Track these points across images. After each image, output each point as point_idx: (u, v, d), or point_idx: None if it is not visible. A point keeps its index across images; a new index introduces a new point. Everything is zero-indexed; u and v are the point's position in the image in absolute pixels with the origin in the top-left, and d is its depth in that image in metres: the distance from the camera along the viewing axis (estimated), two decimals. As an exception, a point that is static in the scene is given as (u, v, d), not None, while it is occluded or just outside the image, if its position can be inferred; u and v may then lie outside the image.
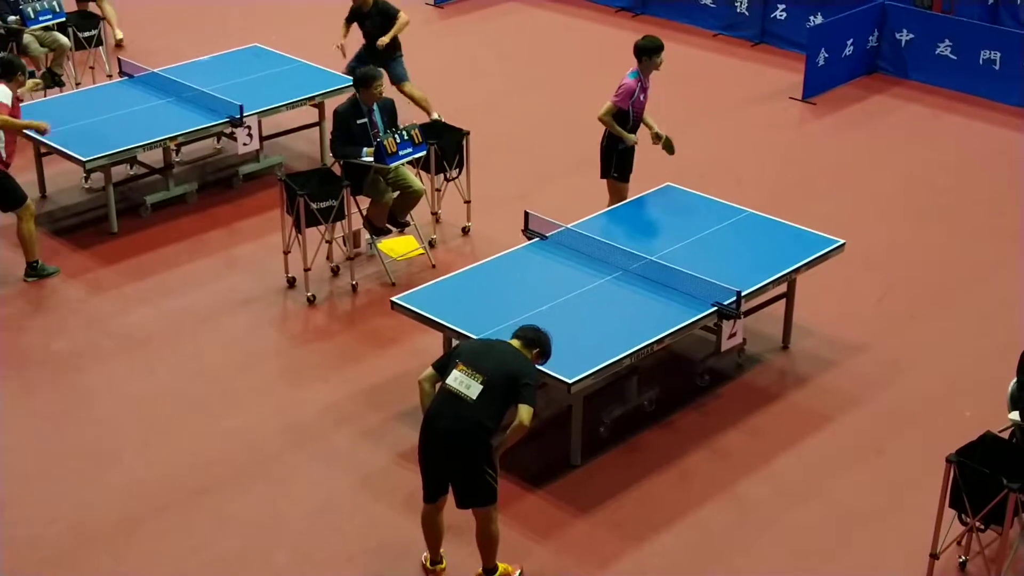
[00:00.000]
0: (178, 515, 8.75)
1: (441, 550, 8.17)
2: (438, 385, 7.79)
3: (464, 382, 7.53)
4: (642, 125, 11.21)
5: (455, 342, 8.85)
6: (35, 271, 11.33)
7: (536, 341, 7.85)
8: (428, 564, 8.22)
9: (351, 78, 12.12)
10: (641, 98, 11.06)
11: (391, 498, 8.85)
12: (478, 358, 7.63)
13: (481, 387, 7.49)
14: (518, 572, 8.14)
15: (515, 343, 7.84)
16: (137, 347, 10.58)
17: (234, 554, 8.43)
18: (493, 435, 7.59)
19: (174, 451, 9.37)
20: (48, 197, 12.88)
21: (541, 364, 7.95)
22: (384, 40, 13.71)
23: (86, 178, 12.96)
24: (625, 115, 11.03)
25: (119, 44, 16.12)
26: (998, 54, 15.24)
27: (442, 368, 7.77)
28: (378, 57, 13.64)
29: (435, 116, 14.09)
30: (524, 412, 7.52)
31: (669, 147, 11.32)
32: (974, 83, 15.41)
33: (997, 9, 17.01)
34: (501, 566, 8.05)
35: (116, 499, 8.89)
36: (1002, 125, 14.79)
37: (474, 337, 8.57)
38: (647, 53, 11.02)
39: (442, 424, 7.57)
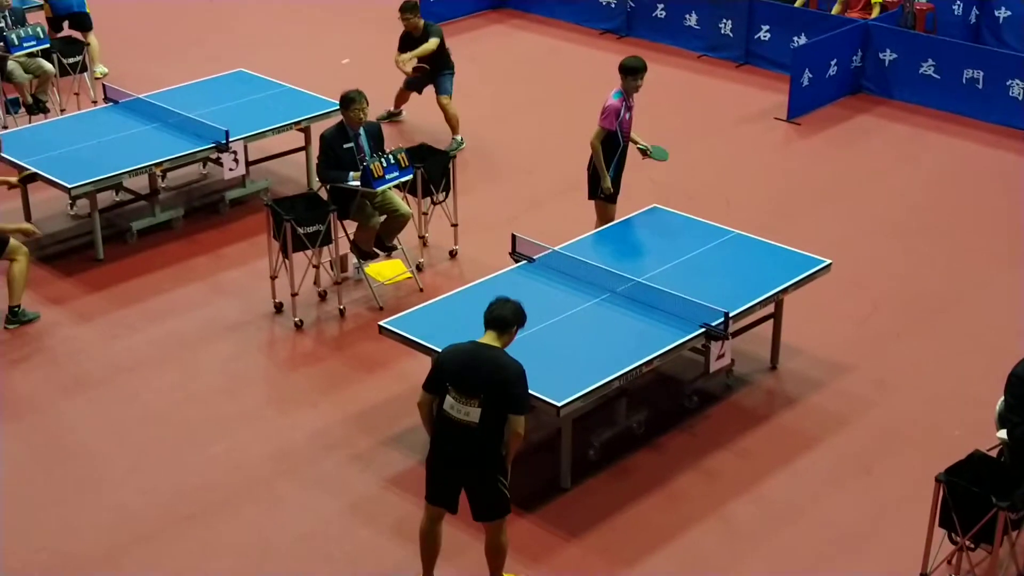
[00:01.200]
0: (166, 542, 8.71)
1: (434, 571, 8.14)
2: (435, 403, 7.77)
3: (462, 410, 7.53)
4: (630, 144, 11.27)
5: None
6: (15, 316, 11.15)
7: (510, 321, 7.71)
8: None
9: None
10: (627, 117, 11.10)
11: (380, 523, 8.82)
12: (467, 379, 7.56)
13: (480, 410, 7.51)
14: None
15: (492, 337, 7.68)
16: (123, 373, 10.54)
17: (223, 581, 8.41)
18: (501, 442, 7.64)
19: (162, 477, 9.33)
20: (33, 224, 12.83)
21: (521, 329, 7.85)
22: (405, 58, 14.16)
23: (72, 205, 12.93)
24: (614, 136, 11.05)
25: (99, 79, 15.93)
26: (981, 73, 15.31)
27: (434, 387, 7.73)
28: (433, 74, 14.28)
29: (457, 138, 14.21)
30: (517, 424, 7.59)
31: (660, 153, 11.31)
32: (958, 102, 15.48)
33: (980, 29, 17.13)
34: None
35: (104, 526, 8.85)
36: (986, 144, 14.85)
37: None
38: (629, 73, 11.10)
39: (450, 449, 7.66)
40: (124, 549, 8.64)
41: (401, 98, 14.89)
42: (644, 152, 11.33)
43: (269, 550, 8.65)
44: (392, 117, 14.92)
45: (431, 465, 7.84)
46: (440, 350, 8.91)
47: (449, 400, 7.59)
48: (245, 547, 8.68)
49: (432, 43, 14.07)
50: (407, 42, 14.26)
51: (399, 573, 8.34)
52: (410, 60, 14.10)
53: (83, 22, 16.06)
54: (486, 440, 7.57)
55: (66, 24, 16.05)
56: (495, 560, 8.00)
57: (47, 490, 9.21)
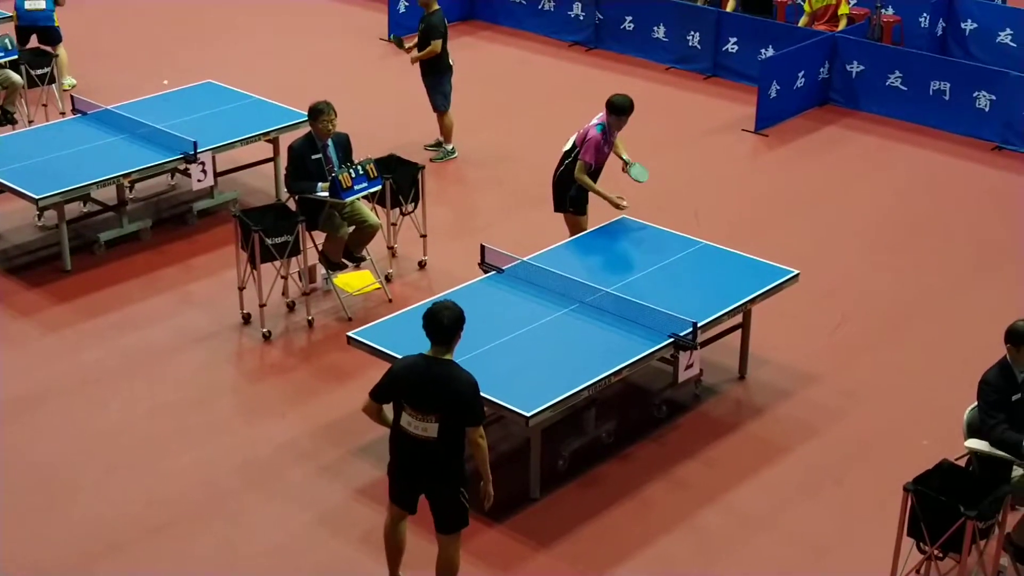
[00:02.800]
0: (135, 553, 8.66)
1: (400, 570, 8.16)
2: (387, 409, 7.74)
3: (420, 426, 7.51)
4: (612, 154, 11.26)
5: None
6: None
7: (452, 330, 7.52)
8: None
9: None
10: (605, 150, 11.07)
11: (348, 535, 8.79)
12: (422, 396, 7.49)
13: (438, 424, 7.48)
14: None
15: (440, 351, 7.55)
16: (91, 384, 10.49)
17: (191, 593, 8.36)
18: (462, 454, 7.62)
19: (130, 489, 9.28)
20: (0, 235, 12.77)
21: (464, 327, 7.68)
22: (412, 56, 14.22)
23: (39, 216, 12.86)
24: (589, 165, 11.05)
25: (67, 91, 15.82)
26: (948, 85, 15.41)
27: (383, 397, 7.69)
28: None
29: (448, 147, 14.24)
30: (476, 435, 7.58)
31: (640, 173, 11.24)
32: (925, 114, 15.57)
33: (946, 41, 17.26)
34: None
35: (72, 537, 8.79)
36: (952, 155, 14.94)
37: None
38: (618, 112, 10.95)
39: (410, 464, 7.68)
40: (93, 560, 8.59)
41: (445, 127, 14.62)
42: (626, 165, 11.30)
43: (238, 562, 8.61)
44: (441, 150, 14.66)
45: (392, 472, 7.88)
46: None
47: (406, 417, 7.57)
48: (214, 559, 8.63)
49: (435, 45, 14.03)
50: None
51: (368, 584, 8.33)
52: (415, 60, 14.14)
53: (51, 36, 15.97)
54: (446, 453, 7.57)
55: (34, 37, 15.96)
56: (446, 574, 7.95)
57: (16, 501, 9.14)
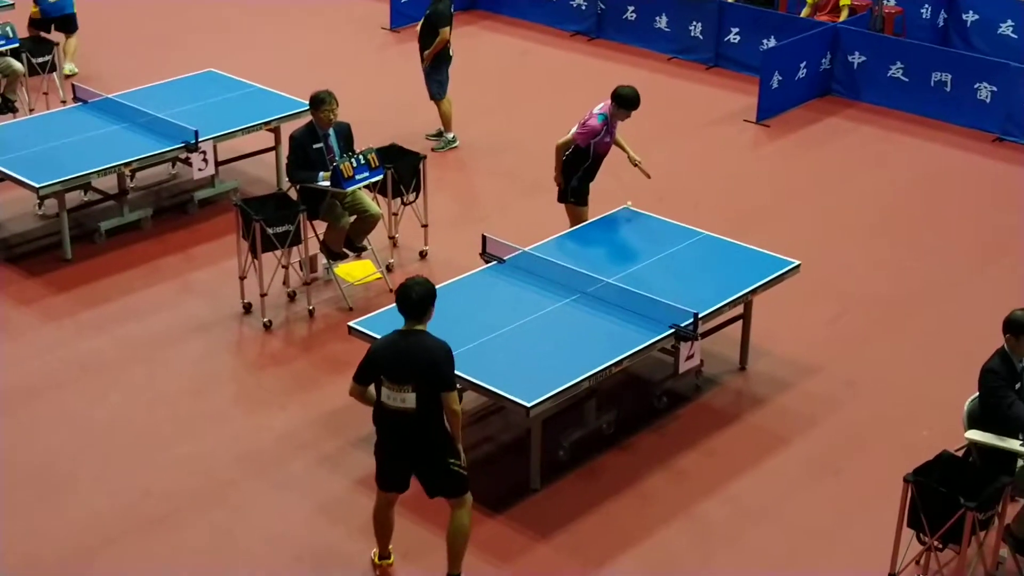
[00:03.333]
0: (133, 544, 8.66)
1: (390, 546, 8.27)
2: (370, 389, 7.83)
3: (398, 398, 7.64)
4: (617, 149, 11.23)
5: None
6: None
7: (422, 304, 7.69)
8: (376, 559, 8.32)
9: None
10: (606, 140, 11.02)
11: (349, 525, 8.79)
12: (398, 369, 7.64)
13: (415, 394, 7.60)
14: None
15: (412, 324, 7.72)
16: (91, 374, 10.49)
17: (191, 583, 8.37)
18: (442, 424, 7.72)
19: (129, 479, 9.28)
20: (0, 224, 12.77)
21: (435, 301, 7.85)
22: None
23: (39, 204, 12.86)
24: (584, 153, 11.00)
25: (68, 77, 15.87)
26: (949, 76, 15.39)
27: (364, 378, 7.81)
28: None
29: (449, 136, 14.28)
30: (451, 400, 7.66)
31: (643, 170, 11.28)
32: (926, 105, 15.55)
33: (948, 32, 17.23)
34: None
35: (71, 528, 8.79)
36: (953, 146, 14.93)
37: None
38: (624, 104, 10.91)
39: (394, 439, 7.78)
40: (93, 551, 8.59)
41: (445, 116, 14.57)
42: (635, 164, 11.29)
43: (237, 552, 8.62)
44: (443, 139, 14.65)
45: (378, 454, 7.97)
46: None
47: (384, 391, 7.70)
48: (213, 549, 8.64)
49: (444, 33, 14.00)
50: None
51: (367, 573, 8.32)
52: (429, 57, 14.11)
53: (70, 23, 16.00)
54: (426, 423, 7.66)
55: (53, 27, 15.97)
56: (454, 544, 8.01)
57: (14, 492, 9.14)
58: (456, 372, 7.83)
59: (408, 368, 7.62)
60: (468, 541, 8.07)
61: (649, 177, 11.37)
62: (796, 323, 11.18)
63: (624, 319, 9.49)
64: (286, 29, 18.36)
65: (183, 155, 12.60)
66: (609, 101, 10.98)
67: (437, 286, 8.87)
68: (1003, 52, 16.15)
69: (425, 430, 7.69)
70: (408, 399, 7.60)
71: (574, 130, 11.07)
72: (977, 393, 8.25)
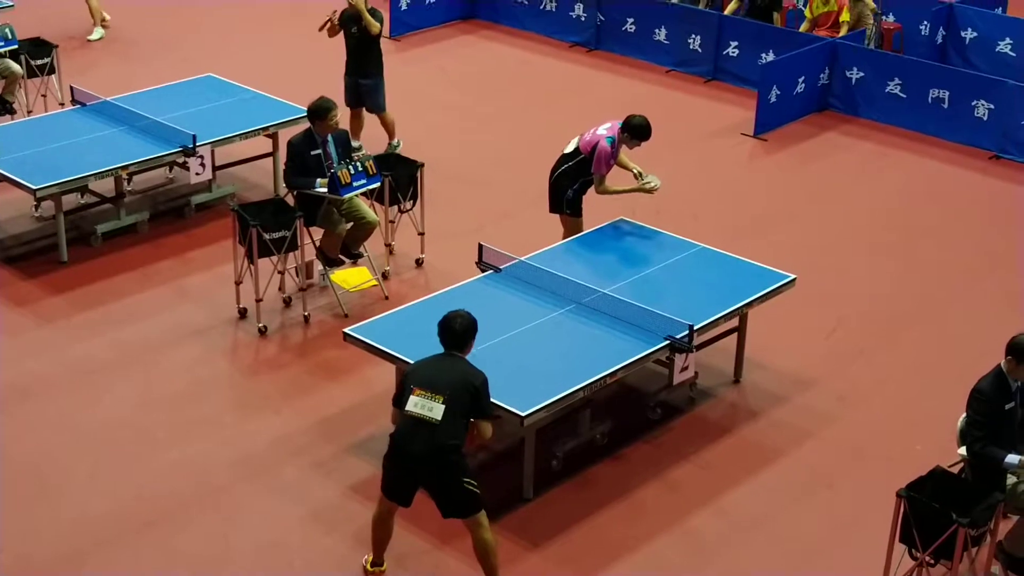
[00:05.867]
0: (125, 547, 8.65)
1: (384, 553, 8.26)
2: None
3: (426, 405, 7.65)
4: (620, 168, 11.25)
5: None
6: None
7: (464, 336, 7.92)
8: (369, 566, 8.30)
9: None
10: (611, 162, 11.07)
11: (342, 532, 8.79)
12: (432, 378, 7.74)
13: (444, 407, 7.62)
14: None
15: (453, 353, 7.91)
16: (86, 377, 10.48)
17: (182, 587, 8.36)
18: (461, 444, 7.74)
19: (122, 483, 9.27)
20: (-3, 225, 12.80)
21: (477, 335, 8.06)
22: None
23: (36, 206, 12.85)
24: (586, 166, 10.99)
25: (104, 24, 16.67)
26: (947, 93, 15.42)
27: (403, 400, 7.85)
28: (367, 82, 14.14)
29: (394, 142, 14.20)
30: (487, 428, 7.83)
31: (653, 180, 11.24)
32: (923, 121, 15.58)
33: (946, 49, 17.28)
34: None
35: (63, 531, 8.78)
36: (950, 162, 14.96)
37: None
38: (637, 135, 10.93)
39: (412, 449, 7.73)
40: (85, 554, 8.58)
41: (355, 123, 14.33)
42: (638, 176, 11.29)
43: (229, 558, 8.60)
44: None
45: (388, 464, 7.94)
46: (403, 357, 8.97)
47: (412, 399, 7.70)
48: (205, 554, 8.63)
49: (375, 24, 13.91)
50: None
51: (360, 581, 8.34)
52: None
53: None
54: (446, 439, 7.65)
55: None
56: (485, 562, 8.04)
57: (6, 494, 9.13)
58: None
59: (444, 380, 7.70)
60: (498, 554, 8.06)
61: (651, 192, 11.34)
62: (791, 336, 11.19)
63: (619, 330, 9.50)
64: (285, 35, 18.36)
65: (180, 159, 12.59)
66: (616, 125, 10.99)
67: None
68: (1001, 70, 16.20)
69: (443, 446, 7.65)
70: (436, 409, 7.62)
71: (575, 143, 11.08)
72: (970, 410, 8.26)
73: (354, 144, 14.13)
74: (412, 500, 7.99)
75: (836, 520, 9.08)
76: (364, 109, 14.25)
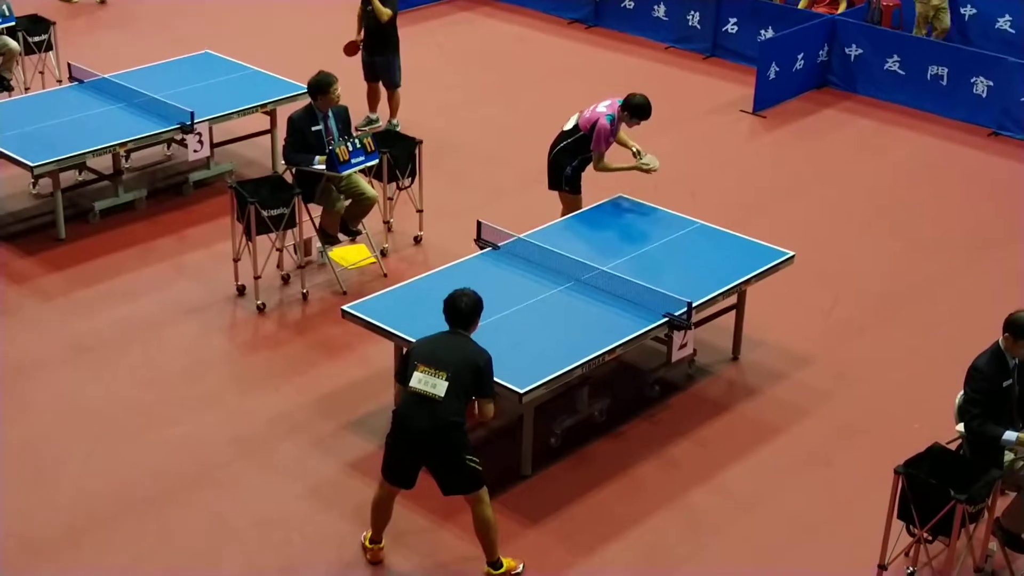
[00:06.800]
0: (124, 525, 8.66)
1: (383, 534, 8.28)
2: None
3: (429, 382, 7.66)
4: (619, 146, 11.23)
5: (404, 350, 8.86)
6: None
7: (470, 315, 7.95)
8: (367, 543, 8.31)
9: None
10: (611, 140, 11.06)
11: (340, 508, 8.80)
12: (436, 355, 7.75)
13: (447, 383, 7.63)
14: (521, 566, 8.24)
15: (459, 331, 7.94)
16: (84, 354, 10.48)
17: (180, 564, 8.35)
18: (463, 422, 7.75)
19: (120, 460, 9.28)
20: (-6, 202, 12.78)
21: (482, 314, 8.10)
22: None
23: (34, 183, 12.82)
24: (585, 143, 10.98)
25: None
26: (946, 70, 15.39)
27: (406, 376, 7.85)
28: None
29: (393, 121, 14.17)
30: (489, 408, 7.87)
31: (652, 161, 11.20)
32: (922, 98, 15.56)
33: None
34: (506, 561, 8.13)
35: (61, 508, 8.79)
36: (949, 140, 14.94)
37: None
38: (637, 114, 10.91)
39: (414, 426, 7.73)
40: (83, 532, 8.59)
41: (373, 96, 14.48)
42: (637, 154, 11.25)
43: (228, 534, 8.62)
44: (372, 124, 14.47)
45: (391, 445, 7.92)
46: (401, 334, 8.98)
47: (416, 376, 7.71)
48: (204, 531, 8.64)
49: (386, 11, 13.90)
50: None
51: (358, 558, 8.33)
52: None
53: None
54: (448, 415, 7.65)
55: None
56: (485, 539, 8.04)
57: (4, 471, 9.14)
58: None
59: (449, 357, 7.72)
60: (498, 530, 8.07)
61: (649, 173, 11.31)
62: (790, 314, 11.20)
63: (618, 307, 9.50)
64: (284, 12, 18.31)
65: (179, 136, 12.58)
66: (616, 103, 10.96)
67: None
68: (1000, 47, 16.14)
69: (445, 422, 7.66)
70: (439, 386, 7.63)
71: (575, 120, 11.06)
72: (969, 386, 8.27)
73: (372, 116, 14.24)
74: (415, 481, 7.97)
75: (834, 497, 9.09)
76: (380, 83, 14.25)
